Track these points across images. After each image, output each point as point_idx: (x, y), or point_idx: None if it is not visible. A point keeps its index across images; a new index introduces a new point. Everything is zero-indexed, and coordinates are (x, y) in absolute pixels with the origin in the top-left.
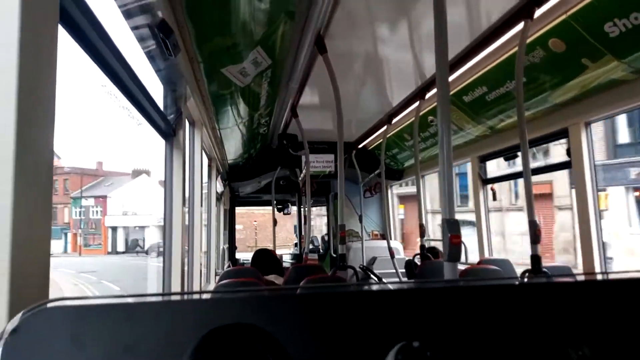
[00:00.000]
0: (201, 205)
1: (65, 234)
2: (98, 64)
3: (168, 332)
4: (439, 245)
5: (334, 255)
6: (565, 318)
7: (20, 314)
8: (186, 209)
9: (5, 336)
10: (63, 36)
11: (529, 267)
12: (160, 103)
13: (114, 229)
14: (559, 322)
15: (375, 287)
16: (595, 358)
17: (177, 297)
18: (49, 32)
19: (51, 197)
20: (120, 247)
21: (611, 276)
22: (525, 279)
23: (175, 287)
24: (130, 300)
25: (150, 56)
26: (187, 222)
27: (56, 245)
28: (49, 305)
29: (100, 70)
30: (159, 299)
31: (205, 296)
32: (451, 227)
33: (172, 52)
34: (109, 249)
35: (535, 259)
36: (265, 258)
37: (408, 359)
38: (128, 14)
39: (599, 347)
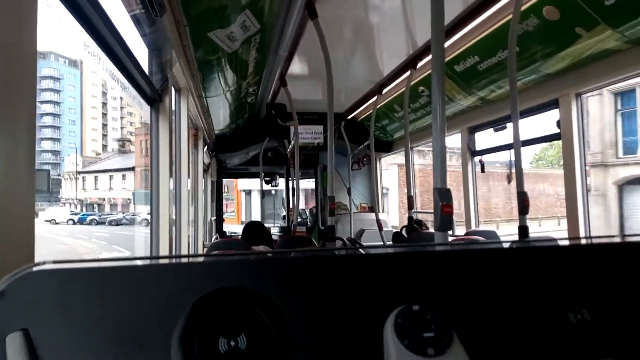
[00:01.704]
0: (188, 176)
1: None
2: (82, 23)
3: (158, 296)
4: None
5: (322, 228)
6: (560, 282)
7: (5, 278)
8: (172, 178)
9: None
10: None
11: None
12: (145, 68)
13: (248, 192)
14: (556, 286)
15: (370, 251)
16: (594, 321)
17: (166, 261)
18: None
19: (34, 154)
20: (256, 215)
21: (595, 241)
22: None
23: (164, 253)
24: (118, 263)
25: (135, 19)
26: (173, 192)
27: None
28: (36, 268)
29: (84, 30)
30: (147, 262)
31: (195, 260)
32: (443, 196)
33: (157, 12)
34: (243, 218)
35: (523, 229)
36: (255, 230)
37: (408, 322)
38: None
39: (597, 311)
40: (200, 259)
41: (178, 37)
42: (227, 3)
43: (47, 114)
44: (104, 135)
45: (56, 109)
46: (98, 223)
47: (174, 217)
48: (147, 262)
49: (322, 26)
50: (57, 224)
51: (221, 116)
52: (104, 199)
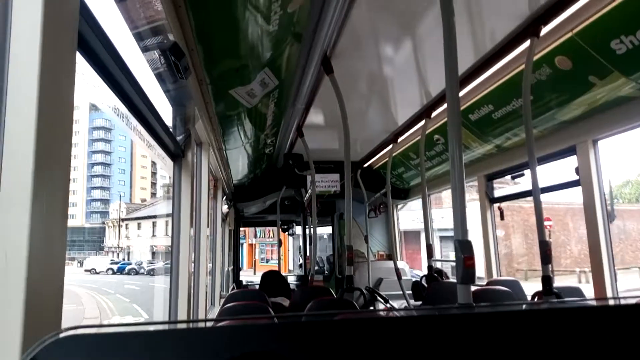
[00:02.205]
0: (207, 227)
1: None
2: (111, 87)
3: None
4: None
5: (340, 277)
6: (583, 345)
7: (37, 344)
8: (193, 229)
9: None
10: (80, 62)
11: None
12: (169, 124)
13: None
14: (577, 349)
15: (386, 314)
16: None
17: (184, 325)
18: (67, 59)
19: (66, 225)
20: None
21: (623, 301)
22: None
23: (182, 310)
24: (138, 328)
25: (160, 79)
26: (193, 244)
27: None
28: (64, 335)
29: (113, 93)
30: (173, 326)
31: (210, 324)
32: (464, 249)
33: (183, 74)
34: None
35: (547, 279)
36: (273, 280)
37: None
38: (140, 37)
39: None
40: (221, 323)
41: (200, 94)
42: (247, 63)
43: (97, 164)
44: (153, 184)
45: (107, 159)
46: (137, 273)
47: (192, 269)
48: (166, 327)
49: (338, 79)
50: (97, 273)
51: (240, 167)
52: (152, 246)
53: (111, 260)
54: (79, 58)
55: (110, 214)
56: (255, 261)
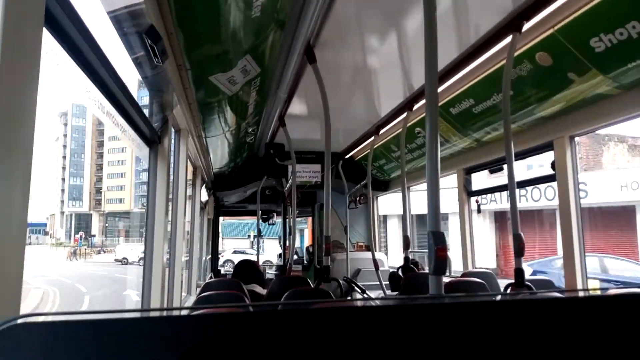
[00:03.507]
0: (184, 215)
1: None
2: (82, 68)
3: (145, 349)
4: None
5: (318, 267)
6: (552, 335)
7: None
8: (169, 219)
9: None
10: (48, 39)
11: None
12: (145, 110)
13: None
14: (545, 339)
15: (359, 304)
16: None
17: (156, 314)
18: (33, 34)
19: (27, 205)
20: None
21: (592, 292)
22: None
23: (155, 299)
24: (105, 316)
25: (137, 62)
26: (169, 232)
27: None
28: (20, 321)
29: (85, 75)
30: (137, 315)
31: (184, 312)
32: (437, 240)
33: (160, 58)
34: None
35: (519, 272)
36: (247, 269)
37: None
38: (116, 20)
39: None
40: (195, 312)
41: (179, 80)
42: (228, 48)
43: None
44: None
45: None
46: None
47: (167, 258)
48: (138, 314)
49: (321, 70)
50: (129, 263)
51: (220, 155)
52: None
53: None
54: (47, 36)
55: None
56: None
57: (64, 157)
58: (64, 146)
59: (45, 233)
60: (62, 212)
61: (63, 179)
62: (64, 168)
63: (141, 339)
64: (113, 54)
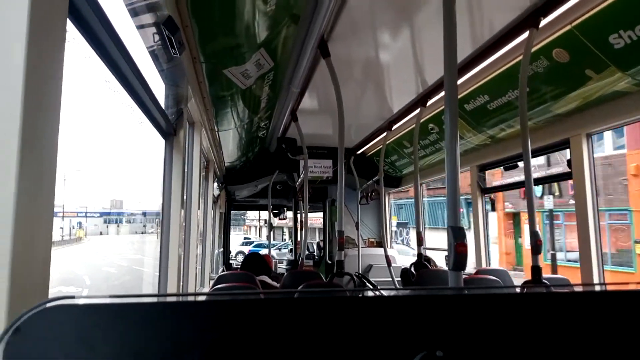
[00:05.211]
0: (198, 208)
1: None
2: (103, 59)
3: (170, 333)
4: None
5: (329, 262)
6: (569, 329)
7: (23, 313)
8: (183, 210)
9: (7, 336)
10: (70, 30)
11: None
12: (162, 102)
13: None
14: (563, 332)
15: (378, 293)
16: None
17: (174, 299)
18: (57, 26)
19: (54, 195)
20: None
21: (609, 288)
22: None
23: (172, 289)
24: (130, 300)
25: (154, 55)
26: (183, 224)
27: None
28: (51, 304)
29: (105, 66)
30: (162, 299)
31: (201, 298)
32: (457, 235)
33: (177, 50)
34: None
35: (536, 269)
36: (255, 261)
37: None
38: (134, 11)
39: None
40: (216, 298)
41: (194, 73)
42: (243, 42)
43: None
44: None
45: None
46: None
47: (182, 250)
48: (162, 299)
49: (334, 64)
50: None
51: (232, 149)
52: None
53: (245, 238)
54: (69, 26)
55: None
56: None
57: None
58: None
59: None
60: None
61: None
62: None
63: (167, 322)
64: (131, 46)
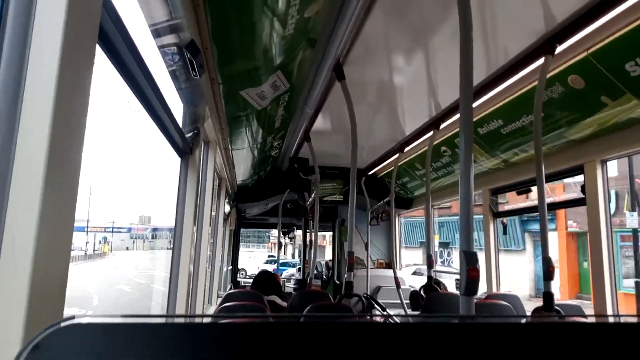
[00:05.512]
0: (209, 225)
1: None
2: (127, 81)
3: (178, 355)
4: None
5: (338, 282)
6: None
7: (43, 331)
8: (195, 228)
9: (26, 353)
10: (98, 53)
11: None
12: (179, 121)
13: None
14: None
15: (388, 320)
16: None
17: (181, 320)
18: (87, 52)
19: (73, 216)
20: None
21: (623, 319)
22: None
23: (180, 307)
24: (140, 320)
25: (174, 75)
26: (195, 241)
27: None
28: (69, 322)
29: (128, 87)
30: (171, 320)
31: (206, 320)
32: (469, 260)
33: (197, 72)
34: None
35: (548, 296)
36: (266, 280)
37: None
38: (157, 32)
39: None
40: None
41: (212, 94)
42: (260, 64)
43: None
44: None
45: None
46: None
47: (192, 267)
48: (182, 320)
49: (349, 86)
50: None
51: (244, 168)
52: None
53: (269, 256)
54: (98, 50)
55: None
56: None
57: None
58: None
59: None
60: None
61: None
62: None
63: (178, 343)
64: (152, 66)
